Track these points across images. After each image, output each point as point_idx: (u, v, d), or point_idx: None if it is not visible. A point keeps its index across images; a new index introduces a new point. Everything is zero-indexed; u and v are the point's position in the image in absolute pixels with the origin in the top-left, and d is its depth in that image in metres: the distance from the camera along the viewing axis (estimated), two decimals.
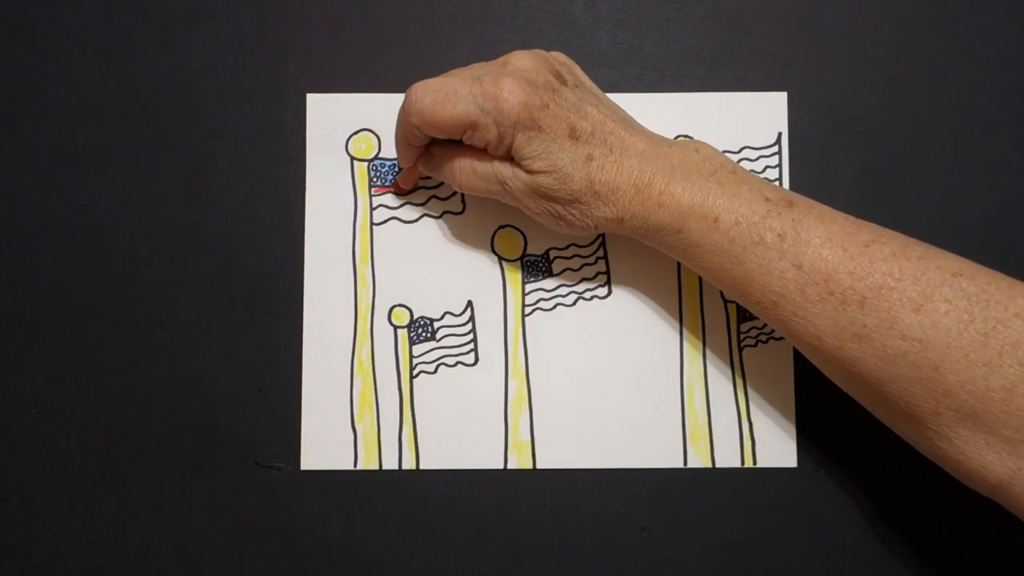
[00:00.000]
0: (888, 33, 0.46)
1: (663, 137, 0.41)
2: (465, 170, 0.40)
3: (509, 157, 0.39)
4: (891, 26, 0.46)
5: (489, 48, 0.46)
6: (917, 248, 0.36)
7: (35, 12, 0.46)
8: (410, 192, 0.46)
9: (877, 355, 0.35)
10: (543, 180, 0.38)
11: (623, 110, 0.42)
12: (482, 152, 0.40)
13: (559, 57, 0.42)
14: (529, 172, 0.39)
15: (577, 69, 0.42)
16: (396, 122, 0.41)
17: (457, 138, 0.40)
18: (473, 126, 0.38)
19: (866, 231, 0.36)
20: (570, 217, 0.39)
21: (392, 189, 0.46)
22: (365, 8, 0.46)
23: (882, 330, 0.35)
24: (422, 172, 0.44)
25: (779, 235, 0.36)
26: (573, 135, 0.38)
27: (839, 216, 0.37)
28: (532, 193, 0.39)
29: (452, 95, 0.38)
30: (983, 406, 0.33)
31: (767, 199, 0.37)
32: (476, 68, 0.40)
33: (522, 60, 0.39)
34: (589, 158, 0.38)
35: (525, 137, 0.38)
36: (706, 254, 0.38)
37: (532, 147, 0.38)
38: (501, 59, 0.40)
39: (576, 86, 0.40)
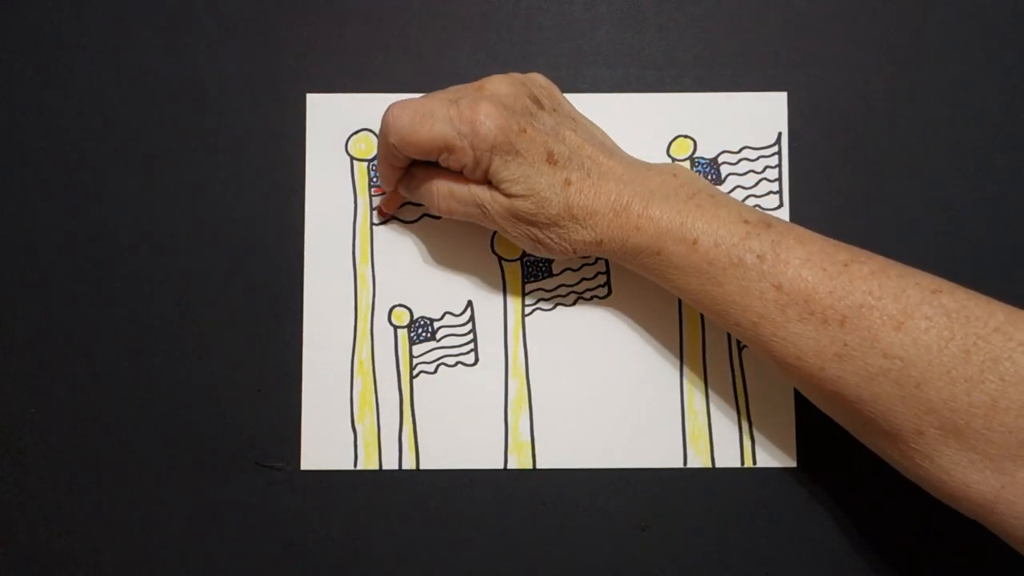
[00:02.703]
0: (888, 33, 0.46)
1: (642, 161, 0.41)
2: (443, 193, 0.40)
3: (486, 182, 0.39)
4: (891, 26, 0.46)
5: (489, 48, 0.46)
6: (895, 267, 0.36)
7: (35, 12, 0.46)
8: (389, 219, 0.45)
9: (859, 374, 0.35)
10: (521, 204, 0.38)
11: (602, 133, 0.42)
12: (460, 175, 0.40)
13: (538, 79, 0.41)
14: (507, 196, 0.39)
15: (556, 91, 0.42)
16: (377, 144, 0.41)
17: (434, 159, 0.39)
18: (449, 148, 0.38)
19: (844, 252, 0.37)
20: (548, 241, 0.39)
21: (377, 213, 0.45)
22: (365, 8, 0.46)
23: (863, 349, 0.35)
24: (404, 196, 0.44)
25: (758, 256, 0.37)
26: (551, 159, 0.38)
27: (818, 237, 0.37)
28: (510, 217, 0.39)
29: (429, 116, 0.38)
30: (966, 423, 0.33)
31: (746, 221, 0.37)
32: (453, 91, 0.40)
33: (499, 85, 0.39)
34: (567, 182, 0.38)
35: (502, 161, 0.38)
36: (685, 276, 0.38)
37: (509, 171, 0.38)
38: (477, 83, 0.40)
39: (554, 110, 0.40)
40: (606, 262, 0.45)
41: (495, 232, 0.46)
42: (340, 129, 0.46)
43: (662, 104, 0.46)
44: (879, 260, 0.36)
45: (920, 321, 0.34)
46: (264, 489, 0.45)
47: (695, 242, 0.37)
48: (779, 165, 0.46)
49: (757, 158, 0.46)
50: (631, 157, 0.41)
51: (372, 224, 0.46)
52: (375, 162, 0.46)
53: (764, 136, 0.46)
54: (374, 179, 0.46)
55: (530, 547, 0.44)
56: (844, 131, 0.46)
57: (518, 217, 0.39)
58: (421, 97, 0.40)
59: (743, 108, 0.46)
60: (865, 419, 0.36)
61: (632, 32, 0.46)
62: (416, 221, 0.46)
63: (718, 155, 0.46)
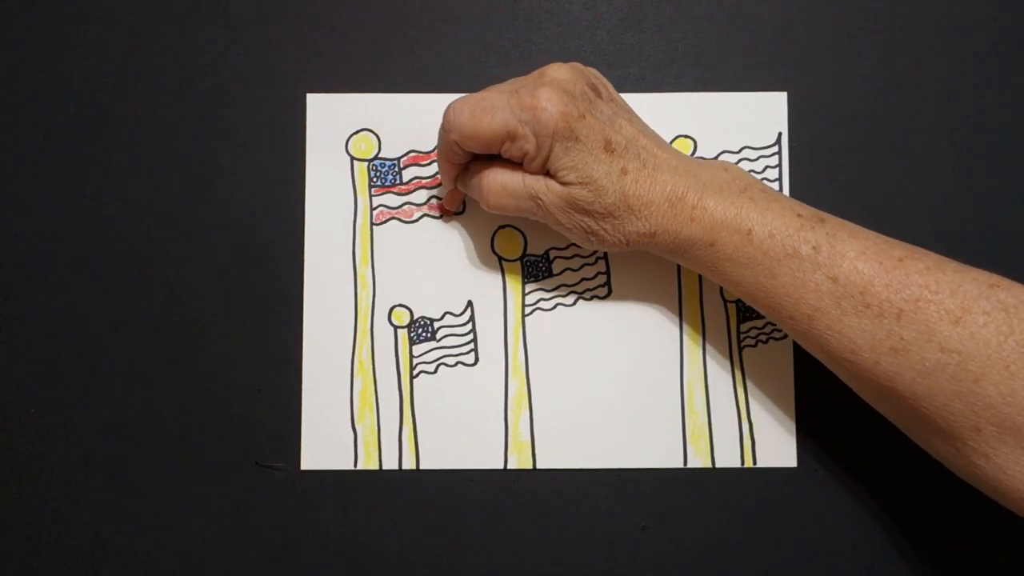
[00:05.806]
0: (888, 33, 0.46)
1: (691, 156, 0.41)
2: (495, 189, 0.40)
3: (543, 172, 0.39)
4: (890, 26, 0.46)
5: (489, 48, 0.46)
6: (951, 264, 0.36)
7: (35, 12, 0.46)
8: (457, 213, 0.46)
9: (915, 368, 0.35)
10: (578, 192, 0.38)
11: (652, 129, 0.42)
12: (514, 170, 0.40)
13: (594, 71, 0.41)
14: (564, 184, 0.38)
15: (610, 85, 0.42)
16: (437, 141, 0.41)
17: (495, 152, 0.39)
18: (512, 137, 0.38)
19: (899, 247, 0.37)
20: (602, 232, 0.39)
21: (439, 209, 0.46)
22: (365, 8, 0.46)
23: (920, 343, 0.34)
24: (464, 192, 0.44)
25: (814, 247, 0.36)
26: (608, 148, 0.38)
27: (871, 233, 0.37)
28: (566, 207, 0.39)
29: (489, 108, 0.38)
30: None
31: (799, 215, 0.38)
32: (512, 82, 0.40)
33: (559, 71, 0.39)
34: (623, 171, 0.38)
35: (562, 148, 0.38)
36: (739, 268, 0.38)
37: (569, 158, 0.38)
38: (538, 71, 0.40)
39: (611, 99, 0.40)
40: (606, 262, 0.45)
41: (495, 232, 0.46)
42: (340, 129, 0.46)
43: (662, 104, 0.46)
44: (934, 256, 0.36)
45: (978, 316, 0.34)
46: (264, 489, 0.45)
47: (749, 232, 0.37)
48: (779, 165, 0.46)
49: (757, 158, 0.46)
50: (681, 152, 0.41)
51: (372, 224, 0.46)
52: (375, 162, 0.46)
53: (764, 136, 0.46)
54: (374, 179, 0.46)
55: (530, 547, 0.44)
56: (844, 131, 0.46)
57: (573, 207, 0.39)
58: (480, 91, 0.40)
59: (743, 108, 0.46)
60: (920, 416, 0.36)
61: (632, 32, 0.46)
62: (416, 221, 0.46)
63: (718, 155, 0.46)
